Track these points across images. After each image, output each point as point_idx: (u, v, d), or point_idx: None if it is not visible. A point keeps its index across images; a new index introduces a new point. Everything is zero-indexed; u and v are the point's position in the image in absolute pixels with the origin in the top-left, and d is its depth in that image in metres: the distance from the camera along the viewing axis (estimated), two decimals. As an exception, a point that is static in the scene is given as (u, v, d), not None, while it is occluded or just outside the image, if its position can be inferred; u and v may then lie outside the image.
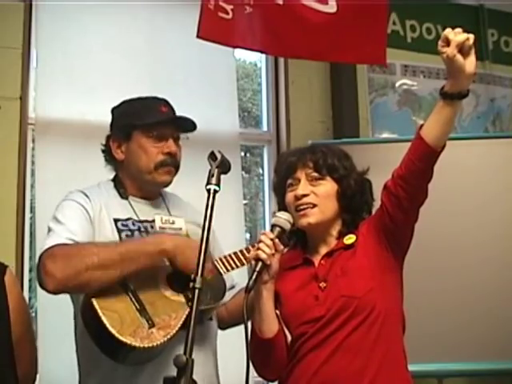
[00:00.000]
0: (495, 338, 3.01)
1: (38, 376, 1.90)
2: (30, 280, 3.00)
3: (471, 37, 1.50)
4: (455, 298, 3.05)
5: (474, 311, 3.04)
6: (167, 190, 2.10)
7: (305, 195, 1.78)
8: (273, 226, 1.77)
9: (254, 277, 1.67)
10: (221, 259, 1.93)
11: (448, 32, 1.50)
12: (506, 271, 3.09)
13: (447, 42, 1.49)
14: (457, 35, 1.49)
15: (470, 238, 3.13)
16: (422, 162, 1.62)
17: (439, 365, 2.99)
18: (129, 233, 1.90)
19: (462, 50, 1.49)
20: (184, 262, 1.77)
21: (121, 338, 1.65)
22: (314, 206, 1.78)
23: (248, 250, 1.94)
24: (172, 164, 1.98)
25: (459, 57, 1.49)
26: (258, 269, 1.68)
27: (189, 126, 2.02)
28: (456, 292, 3.05)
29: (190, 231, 1.99)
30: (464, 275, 3.08)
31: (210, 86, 3.37)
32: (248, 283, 1.66)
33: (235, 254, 1.95)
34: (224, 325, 2.05)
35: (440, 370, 3.00)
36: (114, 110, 2.08)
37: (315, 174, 1.80)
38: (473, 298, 3.06)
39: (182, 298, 1.78)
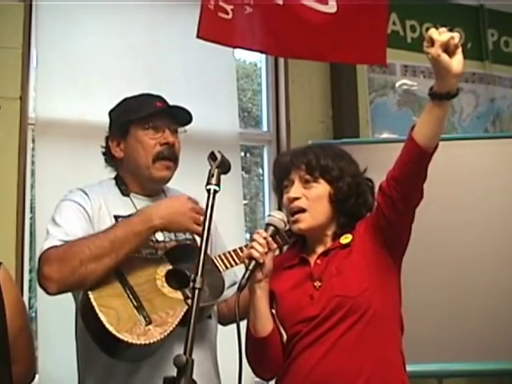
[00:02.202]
0: (495, 338, 3.01)
1: (37, 376, 1.90)
2: (30, 280, 2.99)
3: (456, 35, 1.47)
4: (455, 298, 3.05)
5: (475, 311, 3.05)
6: (170, 186, 2.10)
7: (296, 198, 1.78)
8: (267, 225, 1.77)
9: (246, 275, 1.68)
10: (220, 256, 1.93)
11: (432, 32, 1.47)
12: (506, 272, 3.09)
13: (432, 42, 1.47)
14: (441, 35, 1.46)
15: (470, 238, 3.13)
16: (414, 163, 1.61)
17: (439, 365, 2.99)
18: None
19: (448, 49, 1.47)
20: (181, 228, 1.83)
21: (117, 334, 1.65)
22: (305, 210, 1.77)
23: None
24: (170, 156, 1.97)
25: (444, 56, 1.47)
26: (250, 267, 1.69)
27: (185, 116, 2.02)
28: (456, 292, 3.05)
29: None
30: (464, 276, 3.08)
31: (210, 86, 3.37)
32: (240, 282, 1.67)
33: (235, 251, 1.95)
34: (225, 321, 2.06)
35: (440, 370, 3.00)
36: (111, 113, 2.08)
37: (308, 177, 1.79)
38: (473, 298, 3.06)
39: (179, 295, 1.79)
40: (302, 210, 1.77)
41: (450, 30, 1.48)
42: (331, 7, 2.85)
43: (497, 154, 3.26)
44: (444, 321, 3.02)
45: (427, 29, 4.49)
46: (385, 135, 3.87)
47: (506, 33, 4.29)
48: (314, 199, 1.78)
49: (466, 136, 3.47)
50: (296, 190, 1.79)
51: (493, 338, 3.01)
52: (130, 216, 1.86)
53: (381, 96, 3.92)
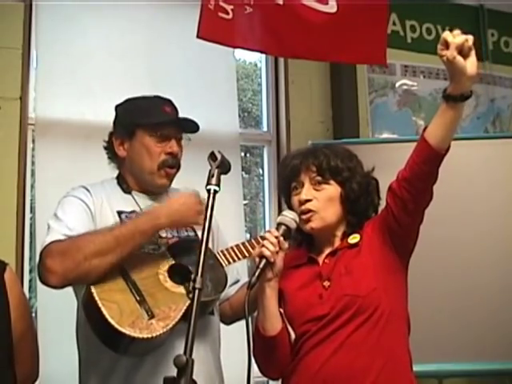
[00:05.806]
0: (495, 339, 3.01)
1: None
2: (30, 280, 3.00)
3: (470, 38, 1.48)
4: (455, 298, 3.05)
5: (474, 311, 3.04)
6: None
7: (308, 200, 1.78)
8: (278, 225, 1.77)
9: (256, 274, 1.67)
10: (222, 251, 1.95)
11: (446, 35, 1.48)
12: (505, 272, 3.09)
13: (446, 45, 1.48)
14: (455, 37, 1.47)
15: (470, 238, 3.13)
16: (426, 164, 1.62)
17: (439, 365, 2.98)
18: None
19: (462, 51, 1.48)
20: (187, 224, 1.88)
21: (120, 328, 1.66)
22: (316, 212, 1.78)
23: (250, 242, 1.97)
24: (174, 165, 2.00)
25: (459, 59, 1.48)
26: (261, 266, 1.68)
27: (192, 127, 2.04)
28: (456, 292, 3.05)
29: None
30: (464, 276, 3.08)
31: (210, 86, 3.37)
32: (250, 280, 1.67)
33: (237, 246, 1.97)
34: (227, 319, 2.06)
35: (440, 370, 3.00)
36: (117, 108, 2.09)
37: (319, 178, 1.79)
38: (473, 298, 3.06)
39: (182, 290, 1.79)
40: (314, 212, 1.78)
41: (464, 33, 1.49)
42: (331, 7, 2.85)
43: (497, 154, 3.26)
44: (444, 321, 3.02)
45: (427, 29, 4.50)
46: (385, 135, 3.87)
47: (506, 33, 4.29)
48: (325, 201, 1.78)
49: (465, 136, 3.46)
50: (307, 192, 1.79)
51: (493, 338, 3.01)
52: (135, 214, 1.87)
53: (381, 96, 3.92)
